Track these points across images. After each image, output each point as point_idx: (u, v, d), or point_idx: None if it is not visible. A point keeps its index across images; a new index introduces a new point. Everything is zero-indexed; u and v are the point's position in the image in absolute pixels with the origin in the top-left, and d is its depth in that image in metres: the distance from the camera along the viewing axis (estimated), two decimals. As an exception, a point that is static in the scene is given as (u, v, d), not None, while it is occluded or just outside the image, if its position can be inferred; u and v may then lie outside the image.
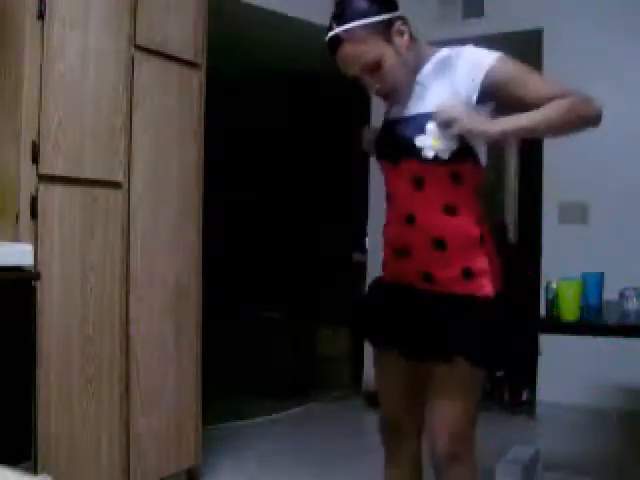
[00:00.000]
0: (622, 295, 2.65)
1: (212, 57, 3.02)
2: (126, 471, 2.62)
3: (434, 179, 1.71)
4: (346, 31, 1.69)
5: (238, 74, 5.26)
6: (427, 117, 1.69)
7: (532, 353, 3.50)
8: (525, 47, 4.46)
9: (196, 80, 2.94)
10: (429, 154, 1.69)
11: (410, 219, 1.73)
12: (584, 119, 1.71)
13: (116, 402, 2.57)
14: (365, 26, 1.69)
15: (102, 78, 2.53)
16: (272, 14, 4.04)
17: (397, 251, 1.78)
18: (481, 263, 1.72)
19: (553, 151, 4.36)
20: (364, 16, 1.69)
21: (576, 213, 4.30)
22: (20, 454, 2.14)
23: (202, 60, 2.96)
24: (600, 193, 4.20)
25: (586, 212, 4.28)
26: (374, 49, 1.70)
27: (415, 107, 1.75)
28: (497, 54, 1.71)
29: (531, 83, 1.70)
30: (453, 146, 1.69)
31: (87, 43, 2.47)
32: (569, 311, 2.40)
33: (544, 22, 4.36)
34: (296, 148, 6.19)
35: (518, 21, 4.40)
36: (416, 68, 1.76)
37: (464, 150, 1.70)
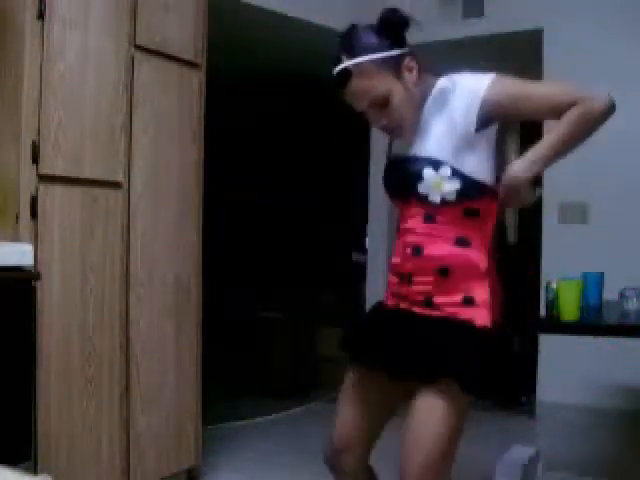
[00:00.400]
0: (622, 295, 2.65)
1: (212, 57, 3.02)
2: (126, 471, 2.62)
3: (447, 217, 1.70)
4: (356, 65, 1.66)
5: (238, 74, 5.26)
6: (424, 161, 1.68)
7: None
8: (525, 47, 4.47)
9: (196, 80, 2.94)
10: (436, 199, 1.68)
11: (417, 250, 1.72)
12: (600, 119, 1.73)
13: (116, 402, 2.58)
14: (376, 61, 1.66)
15: (102, 78, 2.53)
16: (272, 14, 4.04)
17: (401, 277, 1.77)
18: (483, 294, 1.70)
19: (553, 151, 4.36)
20: (375, 51, 1.66)
21: (576, 213, 4.30)
22: (20, 454, 2.14)
23: (202, 60, 2.96)
24: (600, 193, 4.20)
25: (586, 212, 4.28)
26: (383, 84, 1.67)
27: (417, 147, 1.73)
28: (490, 77, 1.66)
29: (536, 96, 1.69)
30: (457, 186, 1.67)
31: (87, 43, 2.47)
32: (569, 311, 2.40)
33: (544, 22, 4.36)
34: (296, 148, 6.19)
35: (518, 21, 4.40)
36: (421, 103, 1.74)
37: (472, 186, 1.68)
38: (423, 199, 1.69)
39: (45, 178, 2.33)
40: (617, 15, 4.17)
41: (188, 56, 2.89)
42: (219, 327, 4.16)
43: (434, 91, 1.73)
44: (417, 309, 1.74)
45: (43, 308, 2.30)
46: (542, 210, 4.43)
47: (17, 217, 2.27)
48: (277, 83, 5.62)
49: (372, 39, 1.68)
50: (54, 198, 2.37)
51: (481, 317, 1.69)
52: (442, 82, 1.73)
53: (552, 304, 2.57)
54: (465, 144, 1.66)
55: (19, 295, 2.16)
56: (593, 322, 2.55)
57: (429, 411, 1.65)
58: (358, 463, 1.88)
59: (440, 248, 1.70)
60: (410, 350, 1.70)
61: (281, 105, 5.99)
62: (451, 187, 1.66)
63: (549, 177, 4.40)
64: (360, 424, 1.85)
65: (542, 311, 2.74)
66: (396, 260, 1.78)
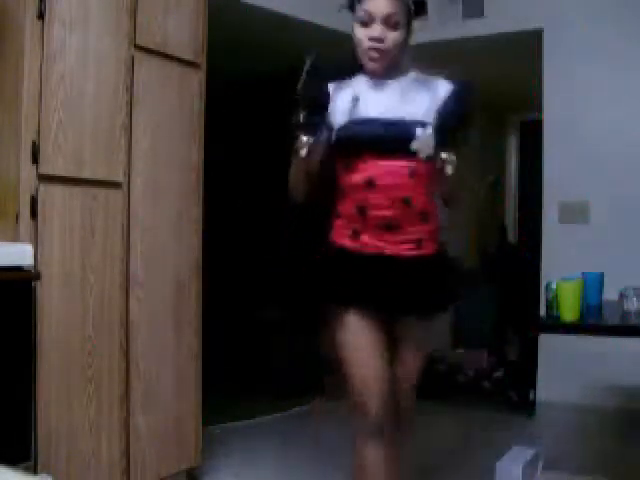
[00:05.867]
0: (622, 295, 2.64)
1: (212, 57, 3.02)
2: (126, 471, 2.62)
3: (425, 172, 1.94)
4: None
5: (238, 74, 5.25)
6: (416, 123, 1.91)
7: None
8: (525, 47, 4.47)
9: (196, 80, 2.94)
10: (423, 155, 1.90)
11: (407, 201, 1.94)
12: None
13: (116, 402, 2.57)
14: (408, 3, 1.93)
15: (102, 78, 2.53)
16: (272, 14, 4.04)
17: (386, 226, 1.96)
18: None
19: (553, 151, 4.37)
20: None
21: (576, 213, 4.30)
22: (20, 454, 2.14)
23: (202, 60, 2.96)
24: (600, 193, 4.20)
25: (586, 212, 4.28)
26: (402, 15, 1.92)
27: (403, 109, 1.96)
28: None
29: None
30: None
31: (87, 43, 2.47)
32: (569, 311, 2.40)
33: (544, 22, 4.36)
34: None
35: (518, 21, 4.41)
36: (396, 66, 1.99)
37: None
38: (413, 155, 1.90)
39: (45, 178, 2.33)
40: (617, 15, 4.17)
41: (188, 56, 2.89)
42: (219, 327, 4.16)
43: (412, 74, 2.02)
44: (408, 252, 1.97)
45: (43, 308, 2.30)
46: (542, 210, 4.43)
47: (17, 217, 2.27)
48: (277, 83, 5.61)
49: None
50: (54, 198, 2.37)
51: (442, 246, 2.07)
52: (415, 74, 2.03)
53: (552, 304, 2.57)
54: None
55: (19, 295, 2.16)
56: (593, 322, 2.55)
57: (424, 338, 2.11)
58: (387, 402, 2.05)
59: (424, 199, 1.97)
60: (411, 291, 1.98)
61: (281, 105, 5.99)
62: (432, 149, 1.89)
63: (549, 177, 4.41)
64: (380, 363, 2.03)
65: (542, 311, 2.74)
66: (384, 213, 1.95)
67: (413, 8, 1.95)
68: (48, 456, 2.31)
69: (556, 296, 2.48)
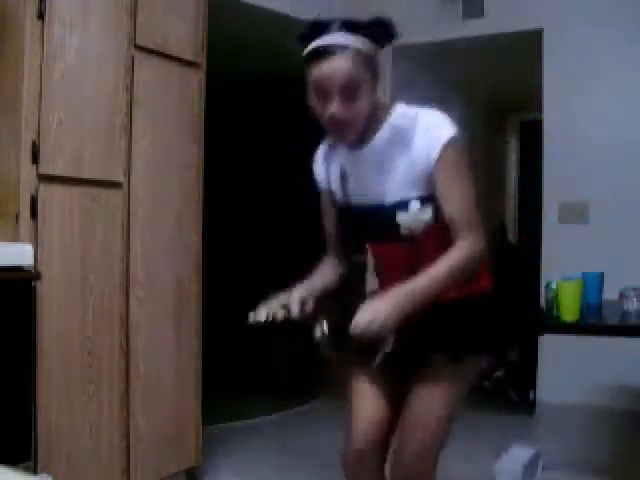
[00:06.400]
0: (622, 295, 2.64)
1: (212, 57, 3.02)
2: (126, 471, 2.62)
3: (427, 237, 1.72)
4: (355, 43, 1.61)
5: (238, 74, 5.26)
6: (393, 207, 1.70)
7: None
8: (525, 47, 4.47)
9: (196, 80, 2.94)
10: (418, 231, 1.70)
11: (411, 269, 1.71)
12: (473, 266, 1.72)
13: (116, 402, 2.58)
14: (370, 52, 1.64)
15: (102, 78, 2.53)
16: (272, 14, 4.04)
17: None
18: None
19: (553, 151, 4.37)
20: (376, 42, 1.65)
21: (576, 213, 4.30)
22: (20, 454, 2.14)
23: (202, 60, 2.96)
24: (600, 193, 4.20)
25: (586, 212, 4.27)
26: (362, 77, 1.62)
27: (381, 188, 1.73)
28: (450, 135, 1.66)
29: (453, 191, 1.68)
30: (430, 213, 1.69)
31: (87, 43, 2.47)
32: (569, 311, 2.40)
33: (544, 22, 4.36)
34: (296, 148, 6.18)
35: (518, 21, 4.40)
36: (368, 127, 1.69)
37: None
38: (407, 238, 1.71)
39: (45, 178, 2.33)
40: (617, 15, 4.17)
41: (188, 56, 2.89)
42: (219, 327, 4.15)
43: (387, 125, 1.71)
44: None
45: (43, 308, 2.30)
46: (542, 210, 4.43)
47: (17, 217, 2.27)
48: (277, 83, 5.61)
49: (378, 30, 1.65)
50: (54, 198, 2.37)
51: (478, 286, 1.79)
52: (397, 118, 1.71)
53: (552, 304, 2.57)
54: (425, 175, 1.68)
55: (19, 295, 2.16)
56: (593, 322, 2.55)
57: (429, 396, 1.75)
58: (379, 464, 1.88)
59: (435, 257, 1.69)
60: (417, 341, 1.74)
61: (281, 105, 5.99)
62: (427, 216, 1.69)
63: (549, 177, 4.41)
64: (378, 417, 1.86)
65: (542, 311, 2.74)
66: (394, 282, 1.70)
67: (374, 45, 1.65)
68: (48, 456, 2.32)
69: (556, 296, 2.48)
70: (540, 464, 2.92)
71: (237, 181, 6.13)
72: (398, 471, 1.81)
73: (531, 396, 4.41)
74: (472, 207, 1.70)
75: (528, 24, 4.40)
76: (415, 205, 1.69)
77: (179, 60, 2.85)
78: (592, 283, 2.66)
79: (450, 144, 1.65)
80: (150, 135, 2.72)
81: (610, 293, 2.75)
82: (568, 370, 4.16)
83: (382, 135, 1.71)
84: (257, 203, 6.21)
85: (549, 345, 4.19)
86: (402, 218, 1.69)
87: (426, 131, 1.66)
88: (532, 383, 4.41)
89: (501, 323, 1.83)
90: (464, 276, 1.69)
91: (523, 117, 7.06)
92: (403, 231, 1.70)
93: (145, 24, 2.67)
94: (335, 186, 1.85)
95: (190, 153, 2.92)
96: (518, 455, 2.86)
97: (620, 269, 3.20)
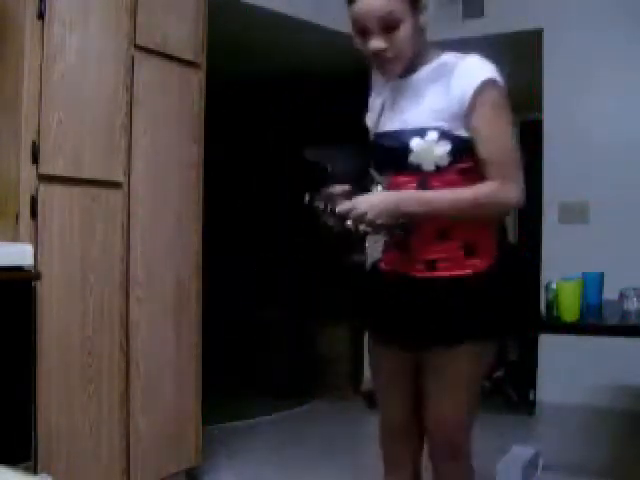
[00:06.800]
0: (622, 295, 2.64)
1: (212, 57, 3.02)
2: (126, 471, 2.62)
3: (442, 182, 1.66)
4: None
5: (238, 74, 5.25)
6: (409, 132, 1.67)
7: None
8: (525, 47, 4.47)
9: (196, 80, 2.94)
10: (429, 167, 1.66)
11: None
12: (497, 210, 1.69)
13: (116, 402, 2.57)
14: None
15: (102, 78, 2.53)
16: (272, 14, 4.04)
17: (396, 245, 1.75)
18: (483, 240, 1.72)
19: (553, 151, 4.36)
20: None
21: (576, 213, 4.30)
22: (20, 454, 2.14)
23: (202, 60, 2.96)
24: (600, 193, 4.20)
25: (586, 212, 4.27)
26: (400, 8, 1.62)
27: (407, 115, 1.71)
28: (488, 76, 1.64)
29: (489, 131, 1.64)
30: (448, 148, 1.64)
31: (87, 43, 2.47)
32: (569, 311, 2.40)
33: (544, 22, 4.36)
34: (296, 148, 6.18)
35: (518, 21, 4.40)
36: (415, 60, 1.70)
37: (462, 145, 1.65)
38: (416, 169, 1.67)
39: (45, 178, 2.33)
40: (617, 15, 4.17)
41: (188, 56, 2.89)
42: (219, 327, 4.15)
43: (435, 62, 1.71)
44: (418, 272, 1.71)
45: (43, 308, 2.30)
46: (542, 210, 4.43)
47: (17, 217, 2.27)
48: (277, 83, 5.61)
49: None
50: (54, 198, 2.37)
51: (482, 262, 1.71)
52: (447, 57, 1.71)
53: (552, 304, 2.57)
54: (456, 113, 1.65)
55: (19, 295, 2.16)
56: (593, 322, 2.55)
57: (449, 379, 1.71)
58: (419, 430, 1.84)
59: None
60: (415, 321, 1.71)
61: (281, 105, 5.99)
62: (442, 150, 1.64)
63: (549, 177, 4.40)
64: (405, 397, 1.83)
65: (542, 311, 2.74)
66: None
67: None
68: (48, 456, 2.31)
69: (556, 296, 2.48)
70: (540, 464, 2.92)
71: (237, 181, 6.12)
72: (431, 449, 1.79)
73: (531, 396, 4.41)
74: (508, 150, 1.65)
75: (528, 24, 4.40)
76: (432, 135, 1.64)
77: (179, 60, 2.85)
78: (592, 283, 2.66)
79: (488, 85, 1.63)
80: (150, 135, 2.72)
81: (610, 293, 2.75)
82: (568, 370, 4.16)
83: (426, 69, 1.71)
84: (257, 203, 6.21)
85: (549, 345, 4.19)
86: (415, 144, 1.65)
87: (466, 69, 1.65)
88: (532, 383, 4.41)
89: (503, 303, 1.74)
90: (479, 213, 1.65)
91: (523, 117, 7.05)
92: (413, 159, 1.65)
93: (145, 24, 2.67)
94: (371, 120, 1.84)
95: (190, 153, 2.92)
96: (518, 455, 2.85)
97: (620, 269, 3.20)
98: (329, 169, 1.64)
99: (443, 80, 1.66)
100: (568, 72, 4.29)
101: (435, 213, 1.64)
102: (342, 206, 1.61)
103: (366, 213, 1.59)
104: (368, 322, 1.89)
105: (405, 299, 1.73)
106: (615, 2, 4.19)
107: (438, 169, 1.65)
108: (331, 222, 1.65)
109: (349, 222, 1.61)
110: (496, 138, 1.65)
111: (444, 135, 1.64)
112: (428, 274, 1.70)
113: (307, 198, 1.66)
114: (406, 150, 1.66)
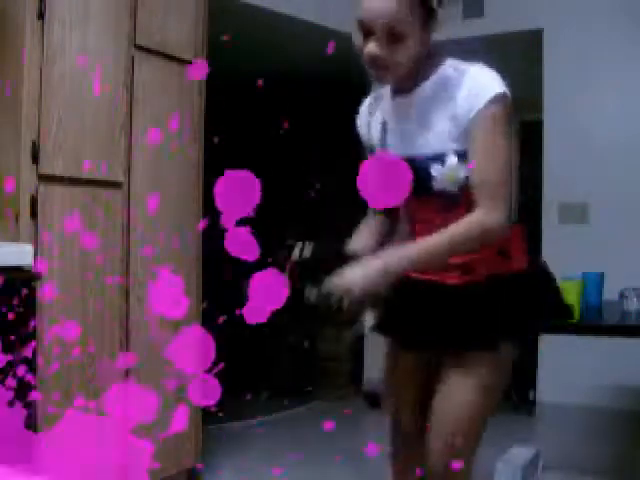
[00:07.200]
0: (622, 295, 2.65)
1: (212, 57, 3.01)
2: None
3: (466, 200, 1.61)
4: None
5: (238, 74, 5.25)
6: (429, 160, 1.61)
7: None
8: (525, 47, 4.47)
9: (196, 80, 2.94)
10: (454, 189, 1.61)
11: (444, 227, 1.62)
12: (477, 243, 1.60)
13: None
14: None
15: (102, 78, 2.53)
16: (272, 14, 4.04)
17: None
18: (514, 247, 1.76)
19: (553, 151, 4.36)
20: None
21: (576, 213, 4.30)
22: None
23: (202, 60, 2.96)
24: (600, 193, 4.20)
25: (586, 212, 4.27)
26: (408, 19, 1.53)
27: (418, 139, 1.65)
28: (495, 92, 1.58)
29: (480, 152, 1.57)
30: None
31: (87, 43, 2.47)
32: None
33: (544, 22, 4.36)
34: (296, 148, 6.18)
35: (518, 21, 4.40)
36: (416, 73, 1.63)
37: None
38: (440, 194, 1.62)
39: (45, 178, 2.33)
40: (617, 15, 4.17)
41: (188, 56, 2.88)
42: (219, 327, 4.16)
43: (437, 75, 1.64)
44: (451, 280, 1.68)
45: (43, 308, 2.30)
46: (542, 210, 4.43)
47: (17, 217, 2.27)
48: (277, 83, 5.61)
49: None
50: (54, 198, 2.36)
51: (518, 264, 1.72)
52: (447, 69, 1.65)
53: (552, 304, 2.57)
54: (466, 130, 1.59)
55: (19, 295, 2.15)
56: (593, 322, 2.55)
57: (459, 389, 1.66)
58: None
59: None
60: (429, 327, 1.70)
61: (281, 105, 5.99)
62: (464, 172, 1.59)
63: (549, 177, 4.41)
64: (416, 399, 1.83)
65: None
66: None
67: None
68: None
69: (556, 296, 2.47)
70: (540, 464, 2.92)
71: (237, 181, 6.12)
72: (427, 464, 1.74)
73: (531, 396, 4.41)
74: (499, 171, 1.57)
75: (528, 24, 4.40)
76: (452, 159, 1.59)
77: (179, 60, 2.85)
78: (592, 283, 2.66)
79: (494, 101, 1.57)
80: (150, 135, 2.72)
81: (610, 293, 2.75)
82: (568, 370, 4.16)
83: (428, 85, 1.64)
84: (257, 202, 6.20)
85: (549, 345, 4.19)
86: (437, 172, 1.60)
87: (472, 85, 1.58)
88: (532, 383, 4.41)
89: (525, 309, 1.73)
90: (464, 251, 1.59)
91: (523, 117, 7.05)
92: (437, 186, 1.60)
93: (145, 24, 2.67)
94: (375, 139, 1.77)
95: (190, 153, 2.92)
96: (518, 455, 2.85)
97: (620, 269, 3.20)
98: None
99: (449, 98, 1.61)
100: (568, 72, 4.29)
101: (420, 266, 1.61)
102: (326, 286, 1.55)
103: (351, 290, 1.51)
104: (396, 328, 1.84)
105: (440, 305, 1.70)
106: (615, 2, 4.19)
107: (462, 189, 1.60)
108: (313, 298, 1.60)
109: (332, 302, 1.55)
110: (487, 157, 1.57)
111: (462, 156, 1.59)
112: (462, 279, 1.67)
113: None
114: (427, 177, 1.61)
